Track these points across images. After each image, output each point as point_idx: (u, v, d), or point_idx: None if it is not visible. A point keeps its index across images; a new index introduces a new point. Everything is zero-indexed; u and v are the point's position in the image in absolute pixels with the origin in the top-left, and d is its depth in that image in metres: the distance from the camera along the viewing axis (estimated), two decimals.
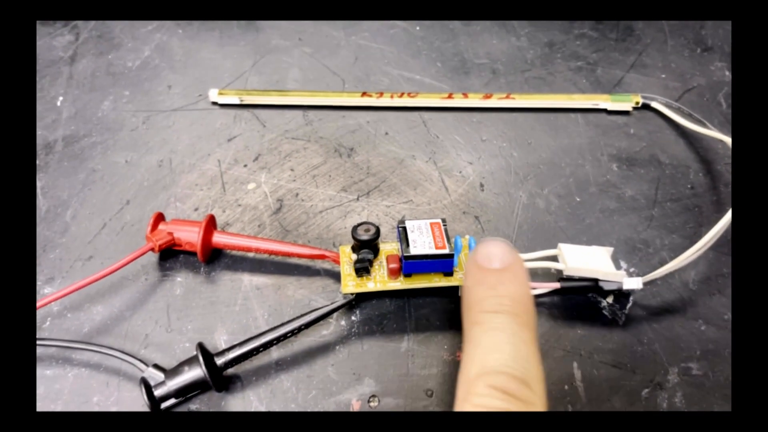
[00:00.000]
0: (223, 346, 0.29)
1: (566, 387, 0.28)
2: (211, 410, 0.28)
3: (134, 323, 0.30)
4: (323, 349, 0.29)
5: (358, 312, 0.31)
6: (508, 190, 0.36)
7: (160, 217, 0.33)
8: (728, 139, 0.35)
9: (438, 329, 0.30)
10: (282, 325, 0.28)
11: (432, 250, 0.28)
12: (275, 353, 0.29)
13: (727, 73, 0.44)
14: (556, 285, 0.30)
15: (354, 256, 0.30)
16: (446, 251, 0.28)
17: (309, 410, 0.27)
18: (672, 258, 0.32)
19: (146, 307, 0.31)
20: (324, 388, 0.28)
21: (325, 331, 0.30)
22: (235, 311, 0.31)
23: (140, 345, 0.30)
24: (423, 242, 0.29)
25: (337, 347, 0.29)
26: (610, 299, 0.31)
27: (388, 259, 0.30)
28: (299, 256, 0.32)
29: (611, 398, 0.28)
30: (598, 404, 0.28)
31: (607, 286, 0.29)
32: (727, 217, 0.30)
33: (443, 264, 0.29)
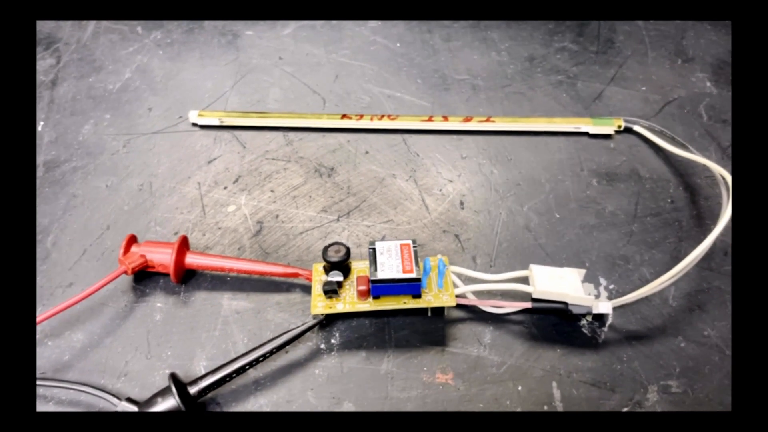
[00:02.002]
0: (203, 373, 0.29)
1: (545, 408, 0.28)
2: None
3: (114, 350, 0.30)
4: (302, 373, 0.29)
5: (337, 334, 0.31)
6: (488, 208, 0.36)
7: (132, 240, 0.32)
8: (712, 164, 0.35)
9: (417, 349, 0.30)
10: (254, 349, 0.28)
11: (399, 274, 0.28)
12: (253, 378, 0.29)
13: (708, 84, 0.44)
14: (527, 305, 0.30)
15: (325, 277, 0.30)
16: (413, 275, 0.28)
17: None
18: (651, 274, 0.32)
19: (126, 334, 0.31)
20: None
21: (304, 354, 0.30)
22: (214, 336, 0.31)
23: (120, 373, 0.29)
24: (391, 265, 0.29)
25: (317, 371, 0.29)
26: (589, 317, 0.31)
27: (358, 280, 0.30)
28: (272, 275, 0.32)
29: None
30: None
31: (576, 310, 0.29)
32: (694, 253, 0.30)
33: (411, 287, 0.29)
